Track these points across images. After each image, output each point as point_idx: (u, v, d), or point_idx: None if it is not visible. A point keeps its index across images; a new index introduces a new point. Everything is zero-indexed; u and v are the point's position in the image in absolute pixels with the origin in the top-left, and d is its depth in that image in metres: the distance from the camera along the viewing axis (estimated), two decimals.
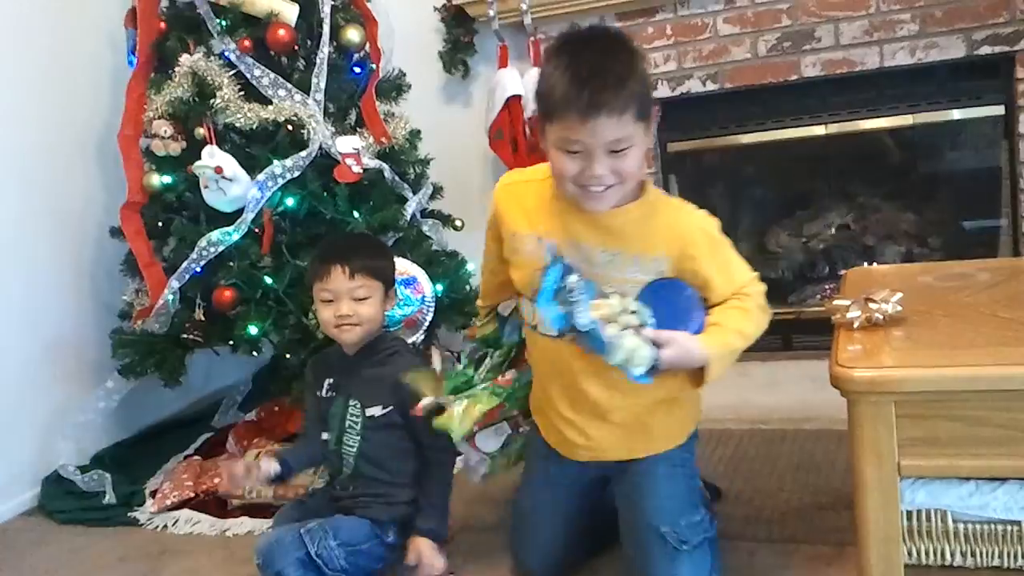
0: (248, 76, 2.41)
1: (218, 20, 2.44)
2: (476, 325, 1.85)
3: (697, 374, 1.44)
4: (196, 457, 2.65)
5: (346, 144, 2.48)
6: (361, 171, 2.46)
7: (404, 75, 2.80)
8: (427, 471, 1.81)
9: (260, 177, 2.34)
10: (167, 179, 2.47)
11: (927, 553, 1.39)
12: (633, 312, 1.35)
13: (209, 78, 2.37)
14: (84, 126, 2.78)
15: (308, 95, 2.45)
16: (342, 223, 2.41)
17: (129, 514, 2.41)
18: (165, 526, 2.33)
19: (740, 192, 3.21)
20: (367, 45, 2.67)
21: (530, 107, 2.82)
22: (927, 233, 3.06)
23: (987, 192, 2.81)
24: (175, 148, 2.44)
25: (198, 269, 2.39)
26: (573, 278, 1.30)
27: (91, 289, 2.79)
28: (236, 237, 2.36)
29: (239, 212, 2.37)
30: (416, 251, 2.52)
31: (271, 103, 2.41)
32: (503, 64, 2.94)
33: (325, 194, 2.42)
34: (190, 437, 2.81)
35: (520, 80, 2.85)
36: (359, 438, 1.83)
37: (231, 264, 2.38)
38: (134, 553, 2.22)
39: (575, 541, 1.71)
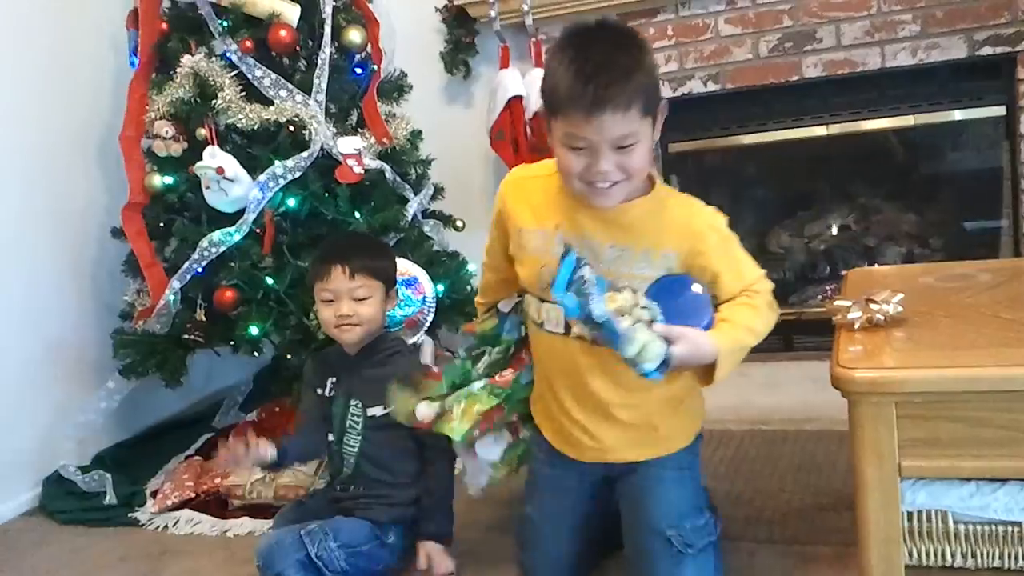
0: (250, 77, 2.42)
1: (220, 21, 2.45)
2: (475, 321, 1.84)
3: (705, 372, 1.42)
4: (197, 457, 2.65)
5: (347, 145, 2.48)
6: (362, 172, 2.46)
7: (405, 76, 2.80)
8: (428, 471, 1.81)
9: (261, 178, 2.35)
10: (168, 180, 2.47)
11: (928, 554, 1.39)
12: (645, 307, 1.33)
13: (211, 79, 2.38)
14: (85, 127, 2.78)
15: (309, 96, 2.45)
16: (343, 224, 2.41)
17: (130, 514, 2.41)
18: (166, 526, 2.33)
19: (741, 193, 3.21)
20: (368, 46, 2.68)
21: (531, 108, 2.83)
22: (928, 234, 3.06)
23: (988, 193, 2.81)
24: (176, 149, 2.44)
25: (199, 269, 2.40)
26: (587, 270, 1.29)
27: (92, 289, 2.79)
28: (237, 238, 2.36)
29: (240, 213, 2.37)
30: (417, 252, 2.52)
31: (272, 104, 2.41)
32: (504, 65, 2.94)
33: (326, 195, 2.42)
34: (191, 437, 2.81)
35: (521, 81, 2.85)
36: (360, 438, 1.83)
37: (232, 265, 2.38)
38: (135, 553, 2.22)
39: (586, 552, 1.68)
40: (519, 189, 1.57)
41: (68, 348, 2.71)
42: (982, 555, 1.38)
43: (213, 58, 2.43)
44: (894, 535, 1.34)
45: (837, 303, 1.53)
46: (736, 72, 2.81)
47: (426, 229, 2.67)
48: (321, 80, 2.48)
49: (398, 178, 2.62)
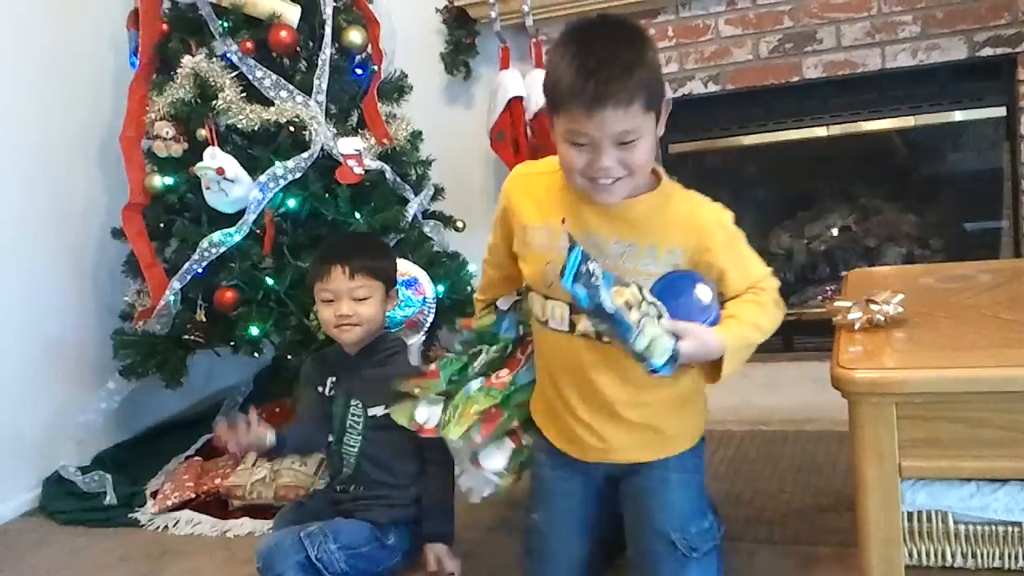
0: (250, 78, 2.42)
1: (220, 22, 2.45)
2: (472, 317, 1.82)
3: (711, 369, 1.41)
4: (197, 458, 2.65)
5: (348, 145, 2.48)
6: (363, 172, 2.46)
7: (406, 76, 2.80)
8: (429, 471, 1.81)
9: (262, 178, 2.35)
10: (169, 180, 2.47)
11: (928, 554, 1.39)
12: (651, 303, 1.32)
13: (211, 79, 2.38)
14: (85, 127, 2.78)
15: (310, 96, 2.45)
16: (343, 224, 2.41)
17: (130, 515, 2.41)
18: (166, 527, 2.33)
19: (742, 193, 3.20)
20: (369, 47, 2.68)
21: (532, 109, 2.83)
22: (928, 235, 3.06)
23: (988, 194, 2.81)
24: (177, 149, 2.45)
25: (199, 270, 2.40)
26: (592, 264, 1.28)
27: (92, 290, 2.79)
28: (238, 238, 2.37)
29: (241, 213, 2.37)
30: (417, 252, 2.52)
31: (273, 104, 2.41)
32: (505, 65, 2.94)
33: (327, 195, 2.42)
34: (191, 438, 2.81)
35: (522, 82, 2.85)
36: (360, 438, 1.83)
37: (232, 265, 2.38)
38: (135, 554, 2.22)
39: (597, 553, 1.65)
40: (524, 185, 1.56)
41: (68, 348, 2.71)
42: (982, 555, 1.37)
43: (214, 59, 2.43)
44: (894, 535, 1.34)
45: (837, 304, 1.53)
46: (736, 73, 2.81)
47: (426, 230, 2.67)
48: (321, 81, 2.49)
49: (398, 179, 2.62)
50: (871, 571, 1.36)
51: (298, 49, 2.54)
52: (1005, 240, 2.78)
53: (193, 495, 2.42)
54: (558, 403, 1.56)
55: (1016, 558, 1.36)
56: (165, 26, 2.54)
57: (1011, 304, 1.51)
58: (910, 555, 1.38)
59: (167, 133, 2.43)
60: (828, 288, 3.03)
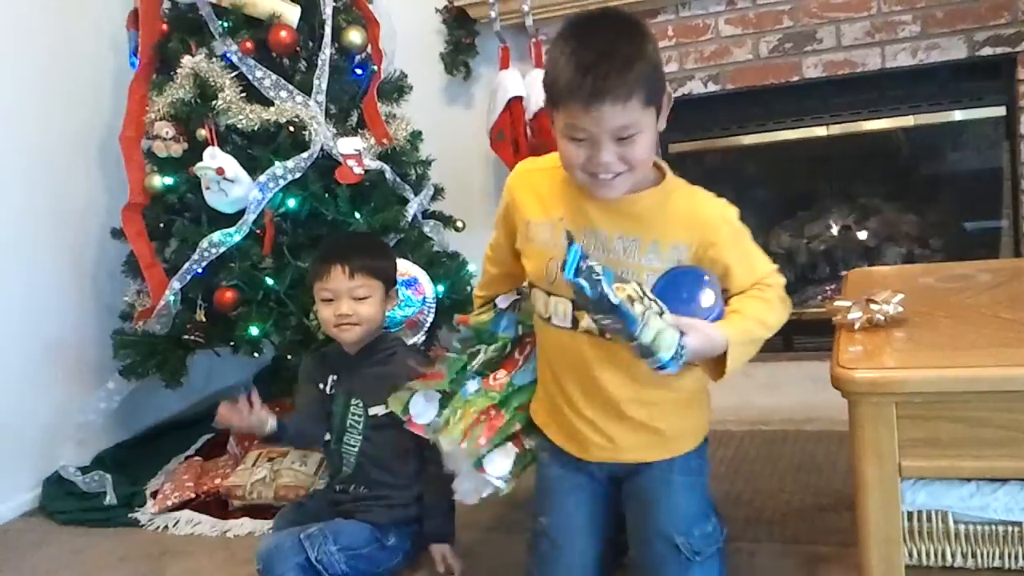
0: (250, 78, 2.42)
1: (220, 22, 2.45)
2: (470, 314, 1.81)
3: (716, 366, 1.39)
4: (197, 458, 2.65)
5: (347, 145, 2.48)
6: (362, 172, 2.46)
7: (406, 76, 2.80)
8: (429, 470, 1.80)
9: (261, 178, 2.35)
10: (169, 180, 2.47)
11: (928, 554, 1.39)
12: (652, 300, 1.32)
13: (211, 79, 2.38)
14: (85, 127, 2.78)
15: (310, 96, 2.45)
16: (343, 224, 2.41)
17: (130, 515, 2.41)
18: (166, 527, 2.33)
19: (741, 193, 3.19)
20: (369, 47, 2.68)
21: (531, 108, 2.83)
22: (928, 234, 3.06)
23: (988, 193, 2.81)
24: (176, 149, 2.45)
25: (199, 270, 2.40)
26: (592, 261, 1.27)
27: (92, 290, 2.79)
28: (237, 238, 2.37)
29: (240, 213, 2.37)
30: (417, 252, 2.52)
31: (273, 104, 2.41)
32: (504, 65, 2.94)
33: (326, 195, 2.42)
34: (191, 438, 2.81)
35: (521, 81, 2.86)
36: (361, 438, 1.83)
37: (232, 265, 2.38)
38: (135, 554, 2.22)
39: (608, 552, 1.61)
40: (527, 181, 1.55)
41: (68, 348, 2.71)
42: (982, 555, 1.37)
43: (213, 59, 2.43)
44: (894, 535, 1.34)
45: (837, 303, 1.53)
46: (736, 72, 2.82)
47: (426, 230, 2.67)
48: (321, 81, 2.49)
49: (398, 179, 2.62)
50: (871, 571, 1.36)
51: (298, 49, 2.54)
52: (1005, 240, 2.79)
53: (193, 495, 2.42)
54: (561, 401, 1.55)
55: (1016, 558, 1.36)
56: (165, 26, 2.54)
57: (1011, 304, 1.51)
58: (910, 555, 1.38)
59: (167, 133, 2.43)
60: (828, 288, 3.03)
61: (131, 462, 2.69)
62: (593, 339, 1.45)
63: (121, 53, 2.74)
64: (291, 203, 2.40)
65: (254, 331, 2.33)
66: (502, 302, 1.70)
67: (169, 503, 2.40)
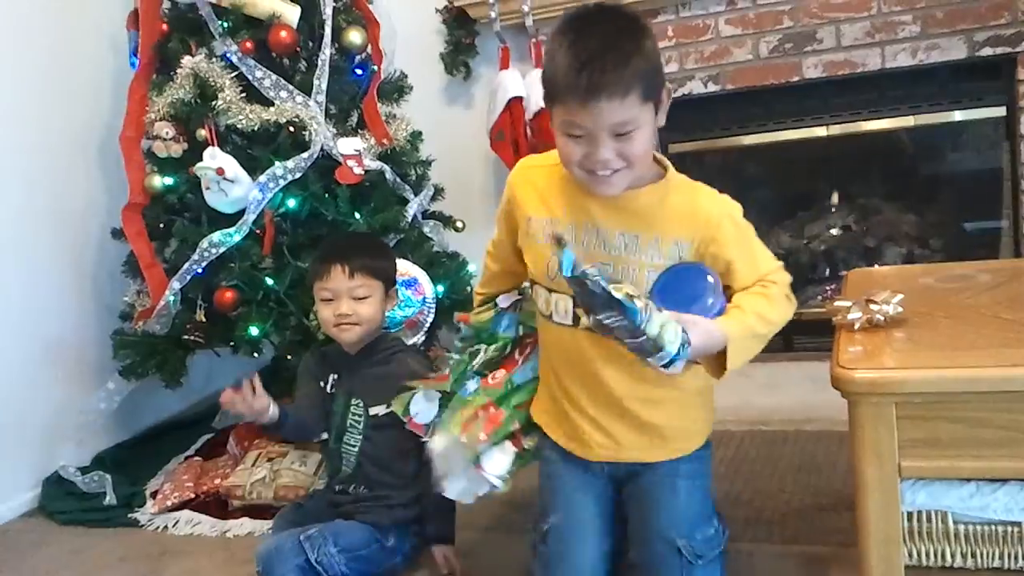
0: (250, 78, 2.42)
1: (220, 22, 2.45)
2: (471, 312, 1.80)
3: (718, 364, 1.37)
4: (197, 458, 2.65)
5: (347, 145, 2.48)
6: (362, 172, 2.46)
7: (406, 77, 2.80)
8: (430, 471, 1.80)
9: (261, 178, 2.35)
10: (168, 180, 2.47)
11: (927, 554, 1.39)
12: (648, 300, 1.31)
13: (211, 80, 2.38)
14: (85, 127, 2.78)
15: (310, 97, 2.45)
16: (343, 224, 2.41)
17: (130, 515, 2.41)
18: (165, 527, 2.33)
19: (741, 193, 3.15)
20: (369, 47, 2.68)
21: (531, 109, 2.83)
22: (928, 234, 3.06)
23: (988, 193, 2.81)
24: (176, 149, 2.45)
25: (199, 270, 2.40)
26: (586, 264, 1.26)
27: (92, 290, 2.79)
28: (237, 238, 2.37)
29: (240, 213, 2.37)
30: (417, 252, 2.52)
31: (273, 105, 2.41)
32: (504, 66, 2.94)
33: (326, 195, 2.42)
34: (191, 438, 2.81)
35: (522, 82, 2.86)
36: (361, 438, 1.83)
37: (232, 265, 2.38)
38: (134, 554, 2.22)
39: (612, 559, 1.58)
40: (528, 178, 1.54)
41: (68, 349, 2.71)
42: (982, 555, 1.37)
43: (213, 59, 2.43)
44: (894, 535, 1.34)
45: (837, 304, 1.53)
46: (736, 73, 2.82)
47: (426, 230, 2.67)
48: (321, 81, 2.49)
49: (398, 179, 2.62)
50: (871, 571, 1.35)
51: (298, 49, 2.54)
52: (1005, 240, 2.79)
53: (193, 495, 2.42)
54: (563, 400, 1.54)
55: (1015, 558, 1.36)
56: (165, 26, 2.54)
57: (1011, 304, 1.51)
58: (910, 555, 1.38)
59: (167, 133, 2.43)
60: (828, 288, 3.03)
61: (131, 462, 2.69)
62: (594, 336, 1.44)
63: (121, 53, 2.74)
64: (291, 203, 2.40)
65: (254, 331, 2.33)
66: (503, 301, 1.69)
67: (169, 503, 2.40)
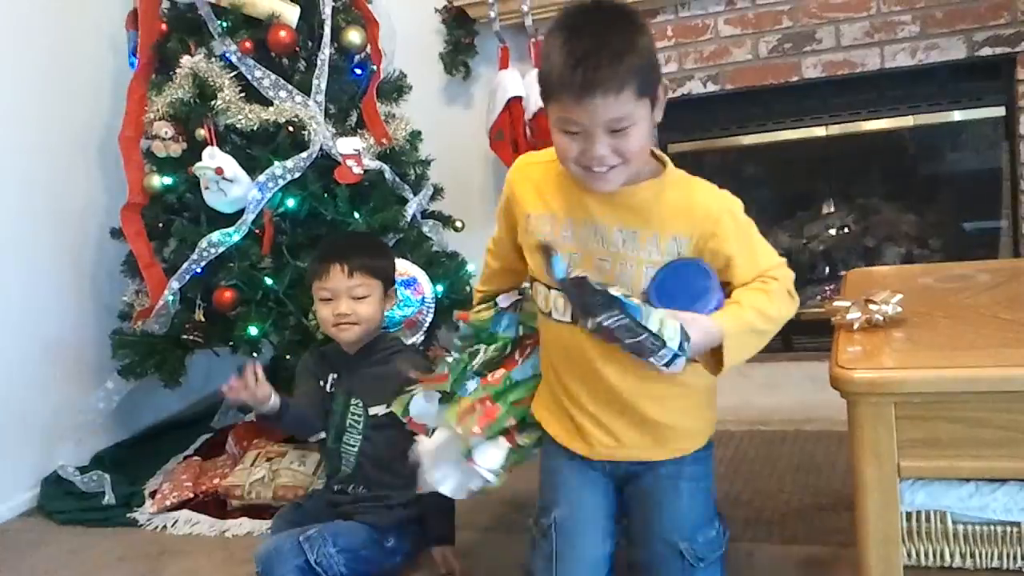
0: (249, 77, 2.42)
1: (219, 22, 2.45)
2: (470, 310, 1.79)
3: (716, 361, 1.36)
4: (195, 458, 2.65)
5: (347, 145, 2.48)
6: (362, 172, 2.46)
7: (405, 76, 2.80)
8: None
9: (261, 178, 2.35)
10: (168, 180, 2.47)
11: (927, 554, 1.38)
12: (644, 299, 1.31)
13: (210, 79, 2.38)
14: (85, 127, 2.78)
15: (309, 96, 2.45)
16: (343, 224, 2.41)
17: (128, 515, 2.41)
18: (164, 527, 2.33)
19: (741, 193, 3.16)
20: (368, 47, 2.68)
21: (531, 108, 2.83)
22: (927, 234, 3.06)
23: (987, 193, 2.81)
24: (176, 149, 2.45)
25: (198, 270, 2.40)
26: (577, 269, 1.26)
27: (91, 290, 2.79)
28: (236, 238, 2.36)
29: (240, 213, 2.37)
30: (416, 252, 2.52)
31: (272, 104, 2.41)
32: (504, 65, 2.94)
33: (326, 195, 2.42)
34: (189, 438, 2.81)
35: (521, 81, 2.85)
36: (361, 438, 1.83)
37: (231, 265, 2.38)
38: (133, 554, 2.22)
39: (613, 560, 1.56)
40: (526, 175, 1.54)
41: (67, 348, 2.71)
42: (981, 555, 1.37)
43: (212, 59, 2.43)
44: (893, 535, 1.34)
45: (836, 304, 1.53)
46: (736, 73, 2.82)
47: (425, 230, 2.67)
48: (320, 81, 2.49)
49: (397, 179, 2.62)
50: (870, 571, 1.35)
51: (297, 49, 2.54)
52: (1004, 240, 2.79)
53: (192, 495, 2.42)
54: (564, 397, 1.53)
55: (1014, 558, 1.36)
56: (164, 26, 2.54)
57: (1010, 304, 1.51)
58: (909, 555, 1.38)
59: (166, 133, 2.43)
60: (827, 288, 3.03)
61: (130, 462, 2.69)
62: None
63: (121, 53, 2.74)
64: (290, 203, 2.40)
65: (253, 331, 2.33)
66: (503, 301, 1.69)
67: (168, 503, 2.40)
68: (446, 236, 2.78)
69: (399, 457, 1.79)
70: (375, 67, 2.70)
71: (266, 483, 2.31)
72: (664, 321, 1.26)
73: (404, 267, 2.28)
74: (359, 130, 2.62)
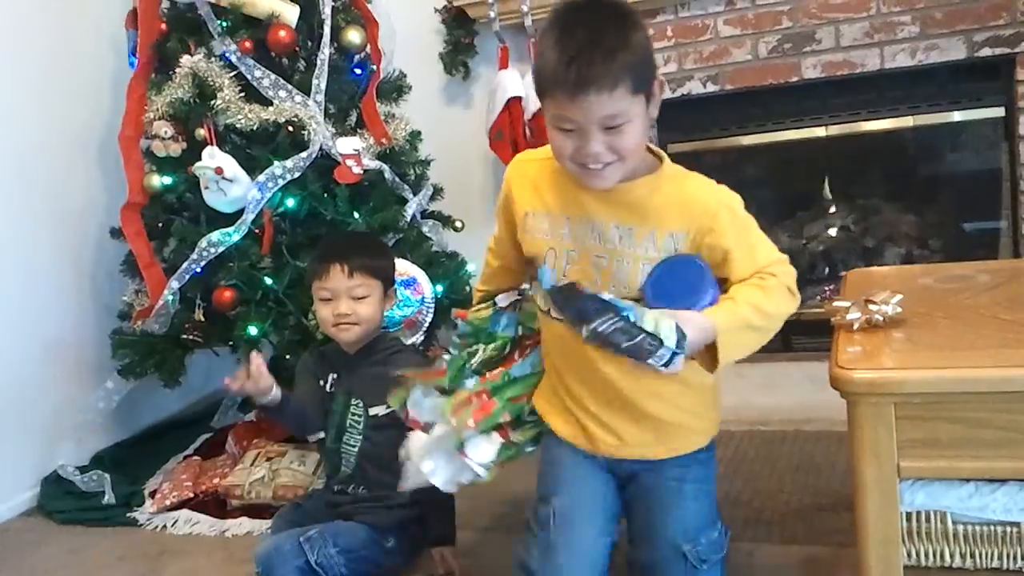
0: (249, 77, 2.42)
1: (219, 21, 2.45)
2: (469, 309, 1.79)
3: (711, 358, 1.35)
4: (195, 457, 2.65)
5: (346, 145, 2.48)
6: (361, 172, 2.46)
7: (405, 76, 2.80)
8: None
9: (260, 178, 2.35)
10: (167, 180, 2.47)
11: (926, 554, 1.38)
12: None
13: (210, 79, 2.38)
14: (85, 127, 2.78)
15: (309, 96, 2.45)
16: (342, 224, 2.41)
17: (128, 514, 2.41)
18: (164, 526, 2.33)
19: (740, 193, 3.18)
20: (368, 46, 2.68)
21: (530, 108, 2.83)
22: (927, 235, 3.06)
23: (987, 194, 2.81)
24: (175, 149, 2.45)
25: (198, 270, 2.40)
26: (564, 281, 1.26)
27: (91, 289, 2.79)
28: (236, 238, 2.36)
29: (239, 213, 2.37)
30: (416, 252, 2.52)
31: (272, 104, 2.41)
32: (503, 65, 2.94)
33: (325, 195, 2.42)
34: (189, 438, 2.81)
35: (521, 81, 2.85)
36: (361, 438, 1.83)
37: (231, 265, 2.38)
38: (133, 553, 2.22)
39: (610, 559, 1.53)
40: (523, 172, 1.54)
41: (67, 348, 2.71)
42: (981, 555, 1.37)
43: (212, 58, 2.43)
44: (893, 535, 1.34)
45: (836, 304, 1.53)
46: (735, 73, 2.82)
47: (425, 229, 2.67)
48: (320, 80, 2.49)
49: (397, 178, 2.62)
50: (869, 571, 1.35)
51: (297, 49, 2.54)
52: (1004, 240, 2.79)
53: (191, 495, 2.42)
54: (567, 397, 1.53)
55: (1014, 558, 1.36)
56: (164, 26, 2.54)
57: (1010, 304, 1.51)
58: (909, 555, 1.38)
59: (166, 133, 2.43)
60: (827, 288, 3.03)
61: (130, 461, 2.69)
62: None
63: (121, 53, 2.74)
64: (290, 203, 2.40)
65: (253, 331, 2.33)
66: (502, 301, 1.68)
67: (167, 503, 2.40)
68: (446, 236, 2.78)
69: (398, 457, 1.80)
70: (375, 67, 2.70)
71: (266, 483, 2.31)
72: (659, 321, 1.25)
73: (404, 267, 2.28)
74: (359, 130, 2.62)
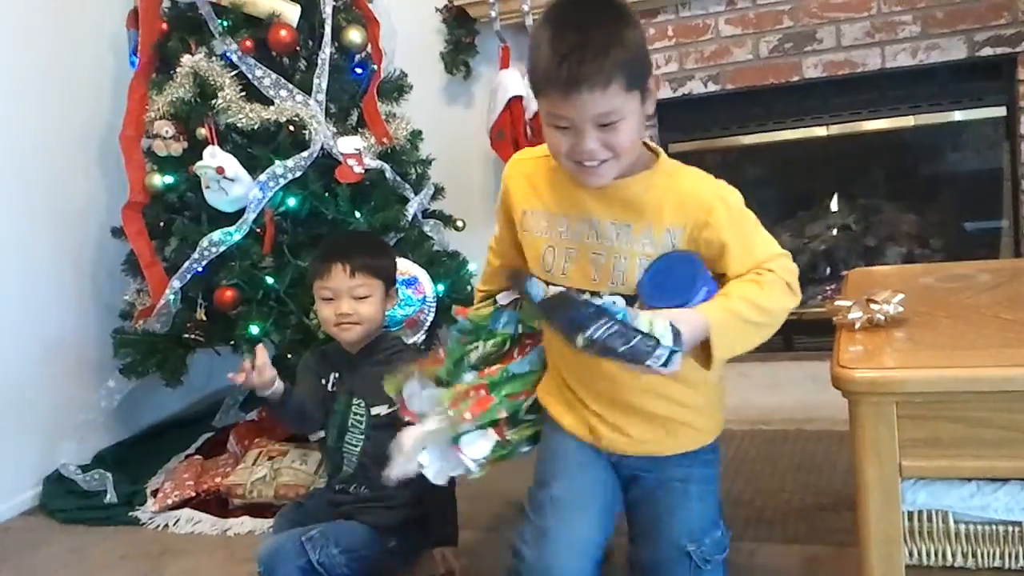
0: (250, 77, 2.42)
1: (220, 21, 2.45)
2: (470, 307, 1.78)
3: (706, 355, 1.32)
4: (197, 457, 2.65)
5: (348, 144, 2.48)
6: (362, 171, 2.46)
7: (406, 76, 2.80)
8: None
9: (261, 177, 2.35)
10: (169, 179, 2.47)
11: (928, 554, 1.39)
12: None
13: (211, 79, 2.38)
14: (86, 126, 2.78)
15: (310, 96, 2.45)
16: (343, 223, 2.41)
17: (130, 513, 2.41)
18: (166, 525, 2.33)
19: (742, 193, 3.19)
20: (369, 46, 2.68)
21: (531, 108, 2.83)
22: (928, 234, 3.06)
23: (988, 193, 2.82)
24: (176, 148, 2.45)
25: (199, 269, 2.40)
26: (552, 289, 1.25)
27: (92, 289, 2.79)
28: (237, 237, 2.37)
29: (240, 212, 2.37)
30: (417, 251, 2.52)
31: (273, 104, 2.41)
32: (504, 65, 2.94)
33: (327, 194, 2.42)
34: (191, 437, 2.81)
35: (522, 81, 2.85)
36: (363, 437, 1.83)
37: (232, 264, 2.38)
38: (135, 552, 2.22)
39: (605, 557, 1.52)
40: (520, 171, 1.53)
41: (68, 347, 2.71)
42: (982, 555, 1.37)
43: (213, 58, 2.43)
44: (894, 535, 1.34)
45: (837, 303, 1.52)
46: (736, 72, 2.82)
47: (426, 229, 2.67)
48: (321, 80, 2.49)
49: (398, 178, 2.62)
50: (871, 571, 1.36)
51: (298, 48, 2.54)
52: (1005, 240, 2.79)
53: (193, 494, 2.42)
54: (568, 393, 1.53)
55: (1016, 558, 1.36)
56: (164, 25, 2.54)
57: (1011, 304, 1.51)
58: (910, 554, 1.38)
59: (167, 132, 2.43)
60: (828, 288, 3.03)
61: (131, 461, 2.69)
62: None
63: (121, 53, 2.74)
64: (291, 202, 2.40)
65: (254, 330, 2.33)
66: (503, 299, 1.68)
67: (169, 502, 2.40)
68: (447, 235, 2.78)
69: (390, 448, 1.79)
70: (376, 66, 2.70)
71: (268, 482, 2.31)
72: (653, 321, 1.24)
73: (405, 266, 2.28)
74: (360, 129, 2.62)
